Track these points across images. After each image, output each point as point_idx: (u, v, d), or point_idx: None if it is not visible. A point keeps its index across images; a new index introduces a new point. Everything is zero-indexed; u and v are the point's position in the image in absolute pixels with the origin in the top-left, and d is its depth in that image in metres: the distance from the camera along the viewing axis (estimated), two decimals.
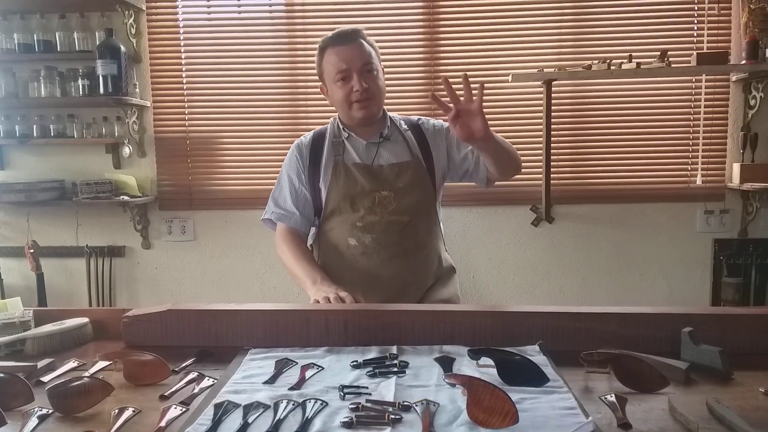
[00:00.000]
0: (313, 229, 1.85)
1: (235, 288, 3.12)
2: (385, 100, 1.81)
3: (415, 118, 1.89)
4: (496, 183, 1.85)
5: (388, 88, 1.83)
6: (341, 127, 1.81)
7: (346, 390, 1.03)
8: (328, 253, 1.77)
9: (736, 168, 2.83)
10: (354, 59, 1.69)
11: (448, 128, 1.83)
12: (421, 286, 1.75)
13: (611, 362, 1.09)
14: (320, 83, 1.82)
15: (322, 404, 0.98)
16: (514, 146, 1.75)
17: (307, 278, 1.65)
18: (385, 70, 1.81)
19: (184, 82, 3.05)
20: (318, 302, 1.52)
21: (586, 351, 1.14)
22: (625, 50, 2.79)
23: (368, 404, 0.97)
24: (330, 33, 1.75)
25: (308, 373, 1.12)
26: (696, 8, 2.87)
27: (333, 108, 1.82)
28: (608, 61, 2.69)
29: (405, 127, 1.83)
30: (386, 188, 1.72)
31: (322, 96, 1.86)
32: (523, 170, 1.81)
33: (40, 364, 1.18)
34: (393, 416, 0.92)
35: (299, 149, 1.83)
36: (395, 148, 1.78)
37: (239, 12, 3.02)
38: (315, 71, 1.82)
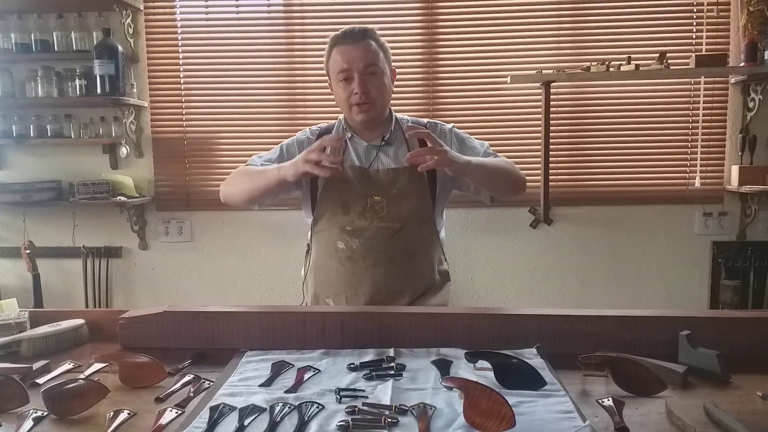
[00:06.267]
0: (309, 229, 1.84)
1: (232, 289, 3.11)
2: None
3: (425, 120, 1.85)
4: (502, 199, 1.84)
5: None
6: (345, 127, 1.79)
7: (342, 393, 1.03)
8: (320, 254, 1.75)
9: (735, 170, 2.83)
10: (356, 60, 1.66)
11: (456, 134, 1.81)
12: (407, 296, 1.69)
13: (609, 365, 1.09)
14: (328, 80, 1.79)
15: (318, 407, 0.97)
16: (515, 165, 1.74)
17: (272, 170, 1.66)
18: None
19: (182, 82, 3.04)
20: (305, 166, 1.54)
21: (584, 354, 1.13)
22: (624, 52, 2.79)
23: (365, 407, 0.97)
24: (340, 30, 1.72)
25: (305, 376, 1.12)
26: (695, 10, 2.87)
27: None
28: (607, 62, 2.69)
29: None
30: (379, 193, 1.68)
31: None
32: (521, 172, 1.79)
33: (36, 365, 1.17)
34: (389, 419, 0.92)
35: (299, 142, 1.83)
36: (396, 152, 1.74)
37: (237, 12, 3.01)
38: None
